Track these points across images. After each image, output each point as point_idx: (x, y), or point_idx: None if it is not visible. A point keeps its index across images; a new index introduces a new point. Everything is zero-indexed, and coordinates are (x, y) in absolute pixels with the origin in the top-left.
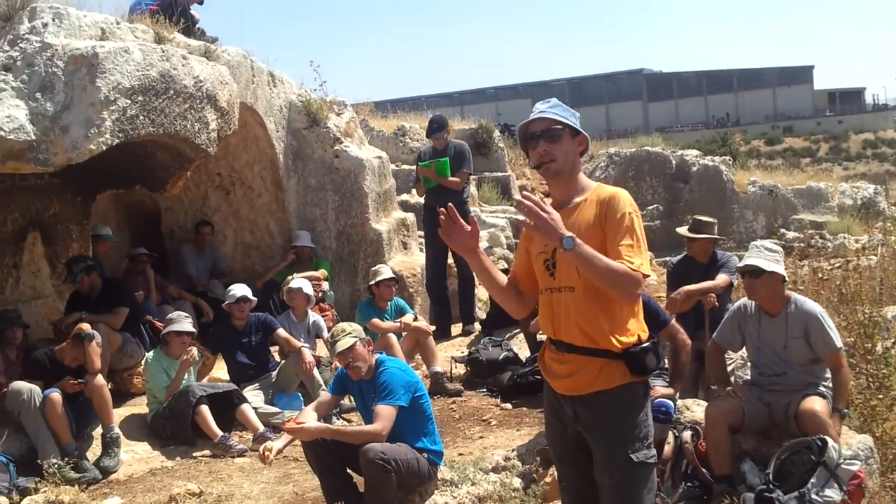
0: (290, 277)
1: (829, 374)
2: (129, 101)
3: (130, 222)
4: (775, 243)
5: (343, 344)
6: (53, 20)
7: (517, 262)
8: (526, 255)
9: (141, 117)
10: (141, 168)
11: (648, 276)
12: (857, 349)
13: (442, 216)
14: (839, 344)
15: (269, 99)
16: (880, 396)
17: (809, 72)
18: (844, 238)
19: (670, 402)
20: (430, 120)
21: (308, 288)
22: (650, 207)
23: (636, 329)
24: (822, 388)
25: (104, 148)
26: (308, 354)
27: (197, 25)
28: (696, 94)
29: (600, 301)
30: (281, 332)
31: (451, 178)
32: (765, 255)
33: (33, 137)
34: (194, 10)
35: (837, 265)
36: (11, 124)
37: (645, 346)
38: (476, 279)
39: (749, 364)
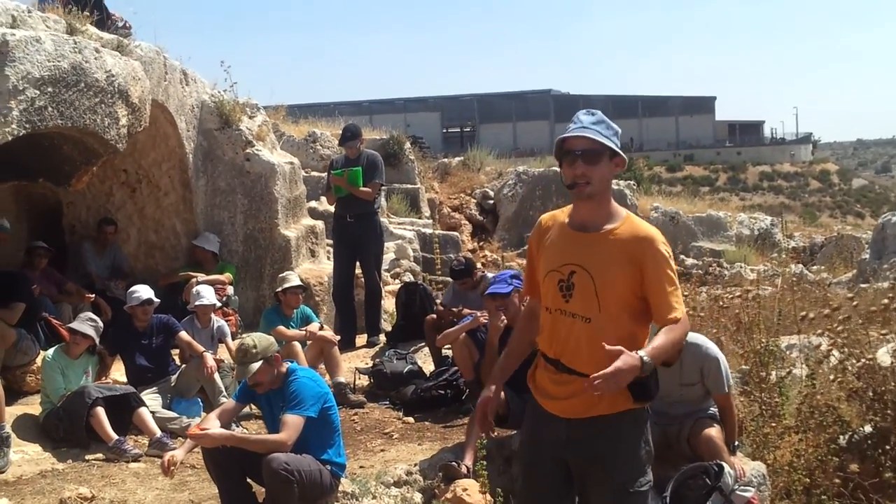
0: (193, 280)
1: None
2: (38, 92)
3: (30, 215)
4: None
5: (253, 369)
6: None
7: (529, 273)
8: (535, 263)
9: (50, 109)
10: (46, 161)
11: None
12: (752, 377)
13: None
14: (730, 384)
15: (181, 97)
16: (773, 424)
17: (712, 102)
18: (741, 267)
19: None
20: (344, 128)
21: (213, 298)
22: None
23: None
24: (712, 414)
25: (9, 139)
26: (209, 359)
27: (118, 21)
28: None
29: (620, 334)
30: (183, 335)
31: (362, 189)
32: None
33: None
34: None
35: (738, 294)
36: None
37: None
38: (382, 291)
39: None
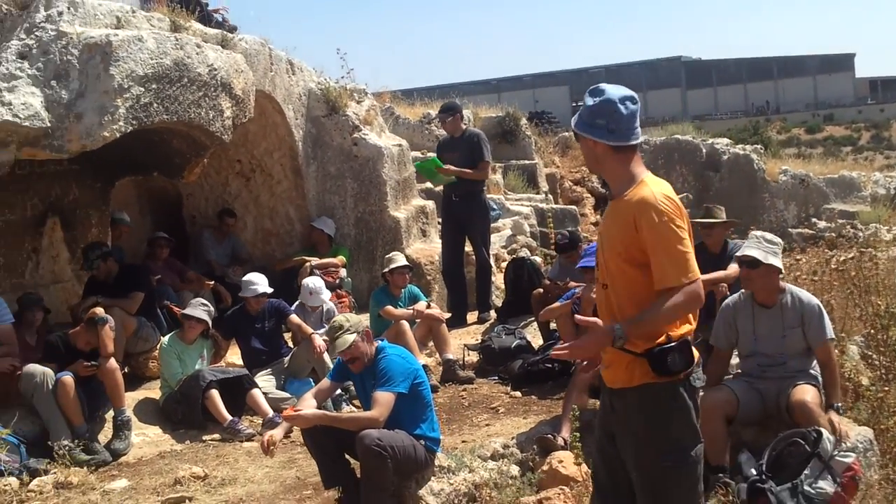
0: (307, 265)
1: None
2: (142, 89)
3: (152, 208)
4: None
5: (343, 343)
6: (69, 8)
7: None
8: None
9: (155, 105)
10: (157, 155)
11: (696, 277)
12: (871, 340)
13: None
14: (831, 335)
15: (288, 87)
16: (886, 388)
17: (851, 59)
18: (876, 228)
19: None
20: (441, 106)
21: (324, 294)
22: (679, 196)
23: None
24: (812, 376)
25: (118, 135)
26: (318, 340)
27: (224, 21)
28: (736, 82)
29: (633, 300)
30: (294, 318)
31: (467, 171)
32: (763, 247)
33: (48, 124)
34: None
35: (851, 256)
36: (27, 111)
37: (669, 346)
38: (491, 267)
39: (738, 355)
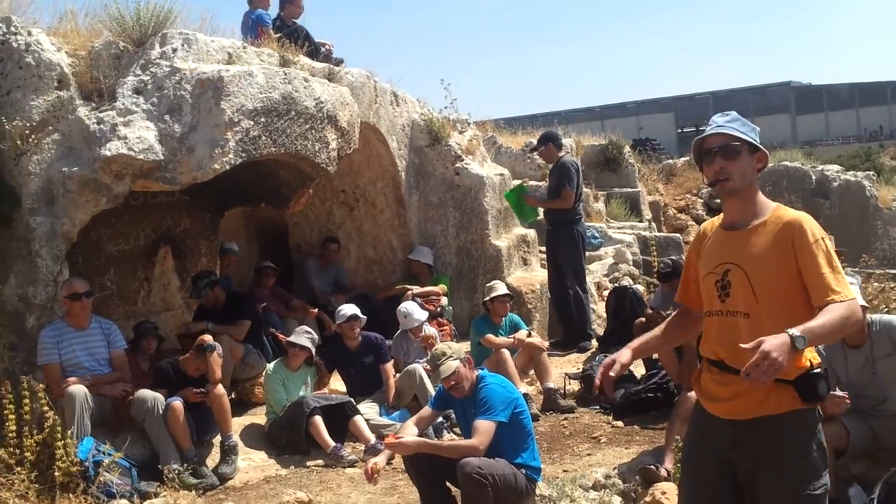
0: (409, 293)
1: None
2: (251, 123)
3: (259, 237)
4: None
5: (447, 369)
6: (183, 45)
7: (684, 279)
8: (695, 272)
9: (263, 138)
10: (265, 186)
11: (854, 297)
12: None
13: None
14: None
15: (392, 118)
16: None
17: None
18: None
19: None
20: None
21: (420, 314)
22: None
23: (808, 354)
24: None
25: (228, 167)
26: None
27: (330, 53)
28: (848, 107)
29: (781, 327)
30: (388, 367)
31: (546, 201)
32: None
33: (162, 157)
34: (325, 40)
35: None
36: (142, 145)
37: (817, 371)
38: (579, 297)
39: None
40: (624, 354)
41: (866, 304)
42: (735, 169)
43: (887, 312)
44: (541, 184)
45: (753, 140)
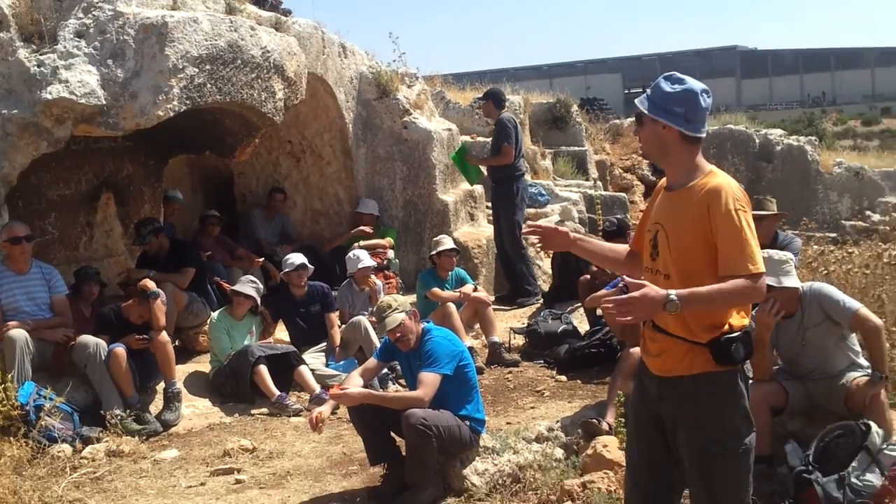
0: (355, 244)
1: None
2: (196, 70)
3: (204, 186)
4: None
5: (393, 321)
6: None
7: (638, 228)
8: (641, 225)
9: (208, 86)
10: (210, 134)
11: (762, 271)
12: None
13: (532, 233)
14: (857, 305)
15: (340, 70)
16: None
17: None
18: None
19: None
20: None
21: (370, 261)
22: None
23: (730, 317)
24: (863, 367)
25: (171, 114)
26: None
27: (278, 4)
28: (792, 73)
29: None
30: (333, 316)
31: (485, 159)
32: (774, 271)
33: (104, 102)
34: None
35: None
36: (83, 89)
37: (733, 335)
38: (517, 254)
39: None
40: (571, 233)
41: (797, 284)
42: (642, 136)
43: (826, 275)
44: (488, 140)
45: (652, 112)
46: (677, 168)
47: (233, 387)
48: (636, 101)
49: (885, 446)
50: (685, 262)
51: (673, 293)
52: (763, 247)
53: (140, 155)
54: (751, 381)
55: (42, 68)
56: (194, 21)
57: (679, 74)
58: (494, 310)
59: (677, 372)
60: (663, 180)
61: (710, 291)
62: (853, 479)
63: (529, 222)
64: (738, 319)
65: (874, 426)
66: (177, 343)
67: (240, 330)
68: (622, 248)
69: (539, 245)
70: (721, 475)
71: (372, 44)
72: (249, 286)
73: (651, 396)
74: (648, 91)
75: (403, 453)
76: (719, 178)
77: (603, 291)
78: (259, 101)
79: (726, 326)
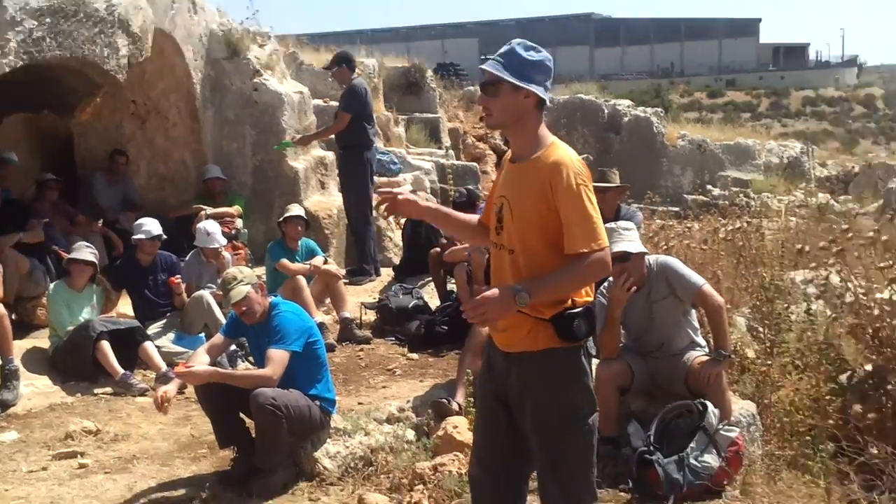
0: (202, 213)
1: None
2: (35, 23)
3: (42, 148)
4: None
5: (237, 294)
6: None
7: (488, 201)
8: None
9: (48, 40)
10: (49, 92)
11: (605, 245)
12: (757, 312)
13: (382, 201)
14: (701, 281)
15: (189, 27)
16: (769, 363)
17: (756, 24)
18: (768, 197)
19: None
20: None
21: (221, 239)
22: (581, 157)
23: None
24: (700, 345)
25: (7, 70)
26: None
27: None
28: (644, 42)
29: (536, 267)
30: (175, 279)
31: (322, 131)
32: (626, 237)
33: None
34: None
35: (738, 227)
36: None
37: (575, 310)
38: (361, 225)
39: (628, 337)
40: (421, 200)
41: (645, 250)
42: (495, 106)
43: (666, 250)
44: None
45: (515, 79)
46: (528, 138)
47: (74, 364)
48: (488, 67)
49: (720, 427)
50: (528, 237)
51: (520, 286)
52: (606, 220)
53: None
54: (596, 360)
55: None
56: None
57: (529, 42)
58: (345, 284)
59: (521, 347)
60: (509, 152)
61: (557, 278)
62: (692, 461)
63: (382, 188)
64: (581, 296)
65: (710, 406)
66: (13, 316)
67: (80, 302)
68: (474, 217)
69: (384, 211)
70: (565, 453)
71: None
72: (86, 251)
73: (498, 372)
74: (500, 59)
75: (253, 435)
76: (560, 151)
77: (459, 247)
78: (101, 58)
79: (569, 302)
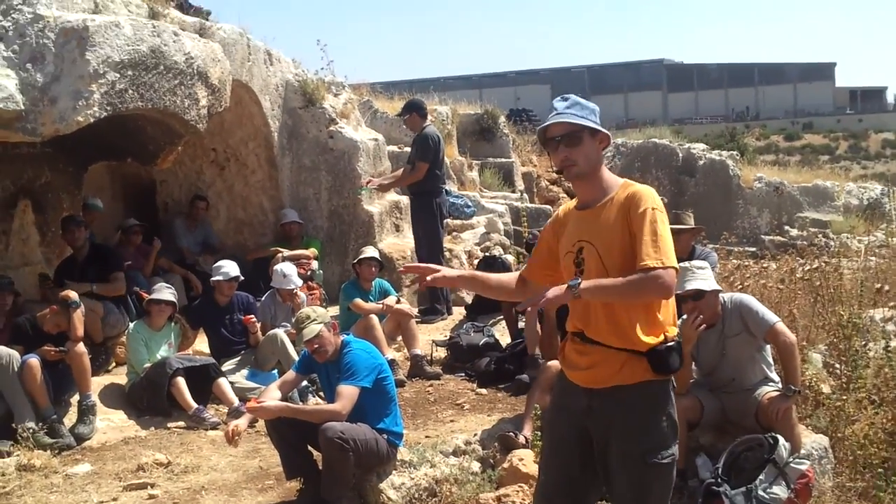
0: (279, 255)
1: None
2: (118, 75)
3: (126, 194)
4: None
5: (310, 332)
6: None
7: (534, 256)
8: (547, 251)
9: (130, 91)
10: (132, 141)
11: (675, 267)
12: (833, 349)
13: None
14: (774, 319)
15: (265, 77)
16: (844, 397)
17: (831, 69)
18: (847, 238)
19: None
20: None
21: (297, 280)
22: None
23: (664, 326)
24: (773, 381)
25: (92, 120)
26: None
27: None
28: (717, 87)
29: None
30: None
31: (398, 180)
32: (700, 276)
33: (22, 107)
34: None
35: (815, 266)
36: (1, 93)
37: (670, 344)
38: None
39: (701, 373)
40: (452, 271)
41: (719, 288)
42: (579, 155)
43: (741, 289)
44: None
45: (594, 123)
46: (598, 182)
47: (149, 399)
48: (564, 119)
49: (791, 459)
50: (620, 270)
51: (576, 280)
52: (680, 261)
53: (59, 161)
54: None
55: None
56: (116, 25)
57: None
58: (417, 322)
59: (614, 382)
60: (562, 208)
61: (616, 283)
62: (760, 492)
63: (407, 264)
64: (672, 329)
65: (781, 439)
66: (102, 358)
67: (157, 341)
68: (510, 277)
69: (418, 281)
70: (653, 485)
71: (299, 51)
72: (166, 292)
73: (577, 411)
74: (569, 109)
75: (320, 467)
76: (637, 186)
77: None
78: (182, 108)
79: (662, 336)
